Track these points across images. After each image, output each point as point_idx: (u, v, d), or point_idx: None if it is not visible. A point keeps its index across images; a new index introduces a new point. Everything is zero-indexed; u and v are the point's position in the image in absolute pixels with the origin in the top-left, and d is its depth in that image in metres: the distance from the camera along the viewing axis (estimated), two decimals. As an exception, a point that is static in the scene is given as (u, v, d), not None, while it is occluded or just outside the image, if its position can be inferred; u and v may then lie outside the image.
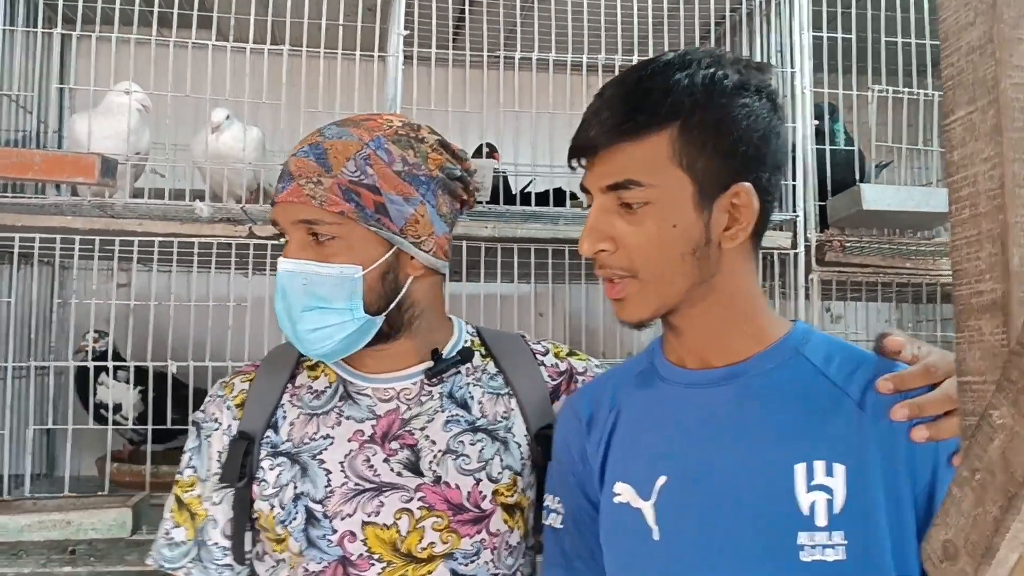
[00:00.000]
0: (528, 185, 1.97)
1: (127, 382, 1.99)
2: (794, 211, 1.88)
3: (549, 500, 1.03)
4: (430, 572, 1.04)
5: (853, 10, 2.09)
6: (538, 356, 1.17)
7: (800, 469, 0.82)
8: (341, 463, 1.06)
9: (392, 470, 1.06)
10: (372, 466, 1.06)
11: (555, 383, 1.15)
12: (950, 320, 2.16)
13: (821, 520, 0.81)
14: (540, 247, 1.81)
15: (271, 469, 1.08)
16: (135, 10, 1.82)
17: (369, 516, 1.04)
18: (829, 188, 1.95)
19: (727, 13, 2.08)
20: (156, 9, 1.97)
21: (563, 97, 2.14)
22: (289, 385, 1.13)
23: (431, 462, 1.07)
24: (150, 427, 1.74)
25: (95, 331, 1.98)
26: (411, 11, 1.85)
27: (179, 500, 1.15)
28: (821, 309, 1.89)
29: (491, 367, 1.15)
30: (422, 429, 1.08)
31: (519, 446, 1.10)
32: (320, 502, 1.05)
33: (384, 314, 1.06)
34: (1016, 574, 0.47)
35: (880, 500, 0.81)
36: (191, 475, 1.15)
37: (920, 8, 2.00)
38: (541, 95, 1.98)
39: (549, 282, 2.24)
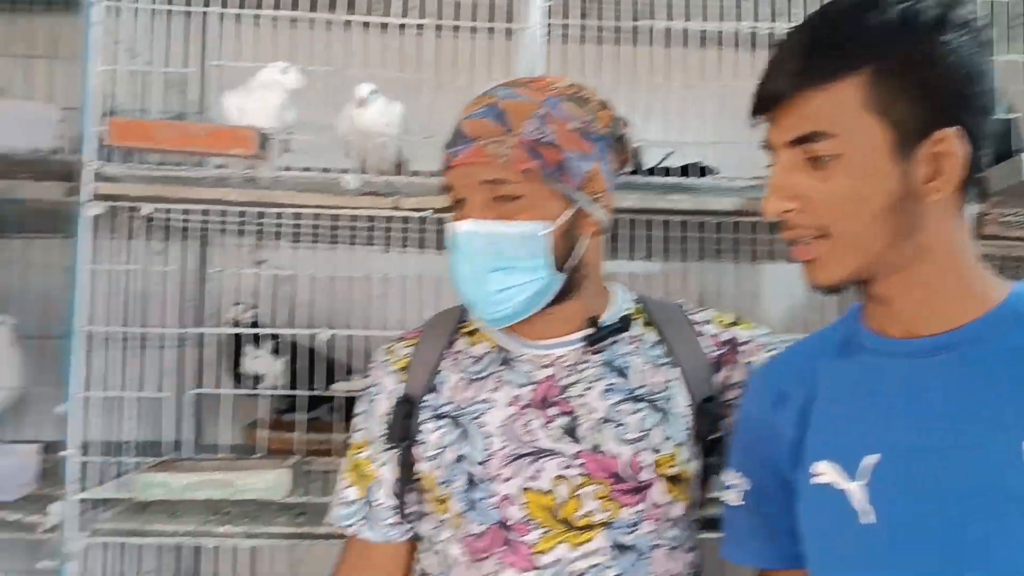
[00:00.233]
0: (664, 159, 1.94)
1: (272, 353, 2.06)
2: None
3: (729, 476, 1.00)
4: (589, 540, 1.04)
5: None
6: (697, 326, 1.14)
7: None
8: (501, 427, 1.07)
9: (550, 436, 1.06)
10: (531, 431, 1.06)
11: (717, 353, 1.13)
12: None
13: None
14: (690, 218, 1.78)
15: (432, 431, 1.10)
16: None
17: (528, 481, 1.05)
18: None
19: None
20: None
21: (697, 72, 2.10)
22: (449, 350, 1.15)
23: (589, 430, 1.06)
24: (300, 394, 1.79)
25: (242, 303, 2.05)
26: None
27: (351, 461, 1.19)
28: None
29: (652, 336, 1.13)
30: (580, 396, 1.08)
31: (681, 417, 1.09)
32: (480, 465, 1.06)
33: (565, 273, 1.06)
34: None
35: None
36: (361, 437, 1.19)
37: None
38: (674, 68, 1.95)
39: (685, 259, 2.20)
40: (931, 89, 0.80)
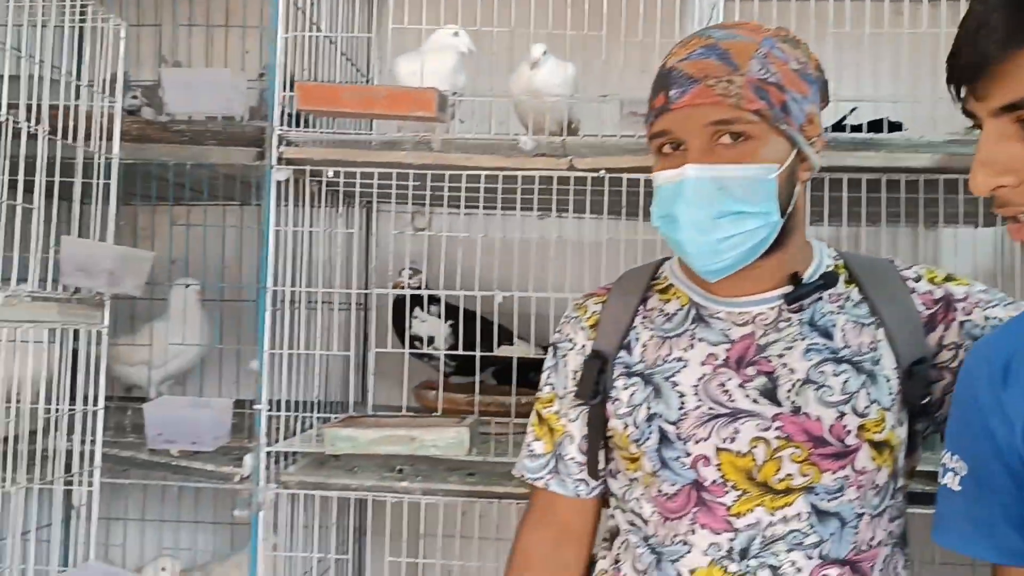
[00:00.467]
0: (848, 115, 1.85)
1: (439, 316, 2.09)
2: None
3: (947, 458, 0.93)
4: (788, 504, 1.00)
5: None
6: (909, 282, 1.07)
7: None
8: (695, 386, 1.04)
9: (748, 396, 1.02)
10: (727, 391, 1.03)
11: (930, 312, 1.06)
12: None
13: None
14: (872, 177, 1.69)
15: (624, 389, 1.08)
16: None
17: (724, 442, 1.01)
18: None
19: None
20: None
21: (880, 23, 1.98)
22: (641, 308, 1.13)
23: (789, 391, 1.02)
24: (479, 354, 1.81)
25: (410, 268, 2.09)
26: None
27: (539, 415, 1.19)
28: None
29: (855, 294, 1.07)
30: (780, 356, 1.03)
31: (887, 380, 1.02)
32: (674, 424, 1.04)
33: (784, 219, 1.02)
34: None
35: None
36: (549, 392, 1.19)
37: None
38: (856, 21, 1.85)
39: (861, 224, 2.10)
40: None
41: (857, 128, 1.76)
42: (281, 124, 1.72)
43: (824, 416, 1.00)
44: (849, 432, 1.00)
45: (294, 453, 1.79)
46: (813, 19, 1.76)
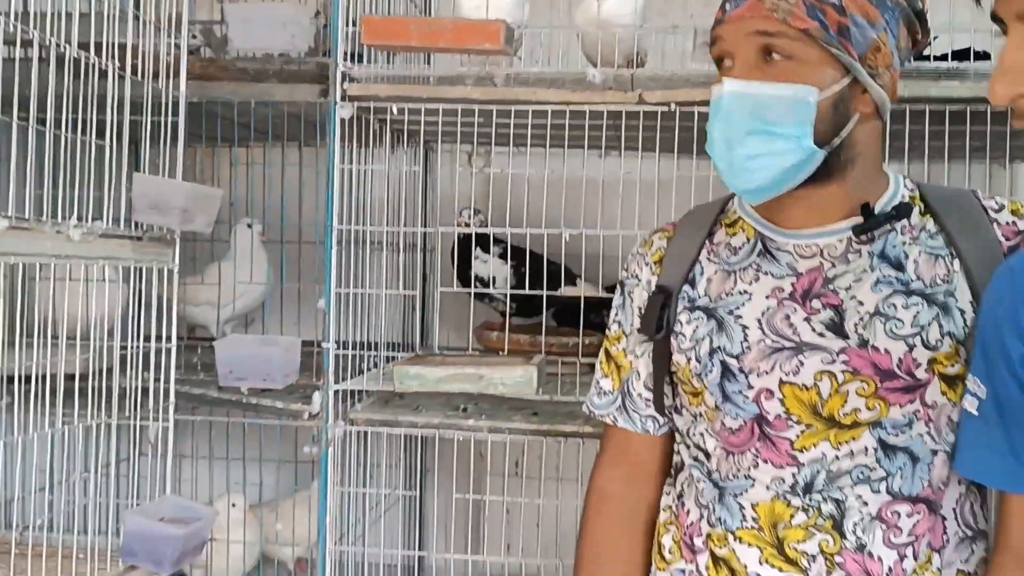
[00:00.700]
0: (926, 46, 1.78)
1: (501, 257, 2.08)
2: None
3: (970, 382, 0.90)
4: (855, 439, 0.98)
5: None
6: (991, 212, 1.03)
7: None
8: (759, 319, 1.02)
9: (813, 330, 1.00)
10: (792, 324, 1.01)
11: (1011, 244, 1.01)
12: None
13: None
14: (956, 108, 1.62)
15: (688, 323, 1.07)
16: None
17: (787, 375, 1.00)
18: None
19: None
20: None
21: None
22: (707, 242, 1.11)
23: (856, 324, 0.99)
24: (545, 294, 1.79)
25: (471, 208, 2.07)
26: None
27: (607, 353, 1.19)
28: None
29: (931, 225, 1.03)
30: (847, 289, 1.01)
31: (963, 312, 0.99)
32: (736, 357, 1.02)
33: (827, 149, 0.98)
34: None
35: None
36: (617, 330, 1.18)
37: None
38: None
39: (924, 162, 2.03)
40: None
41: (942, 58, 1.69)
42: (344, 61, 1.70)
43: (893, 349, 0.98)
44: (919, 365, 0.97)
45: (360, 391, 1.80)
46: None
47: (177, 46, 1.63)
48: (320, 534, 1.72)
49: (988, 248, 1.01)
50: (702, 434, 1.07)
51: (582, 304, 1.78)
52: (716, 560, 1.03)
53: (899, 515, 0.98)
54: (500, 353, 1.84)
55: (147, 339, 1.61)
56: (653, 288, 1.12)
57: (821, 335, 1.00)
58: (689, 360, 1.06)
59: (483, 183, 1.96)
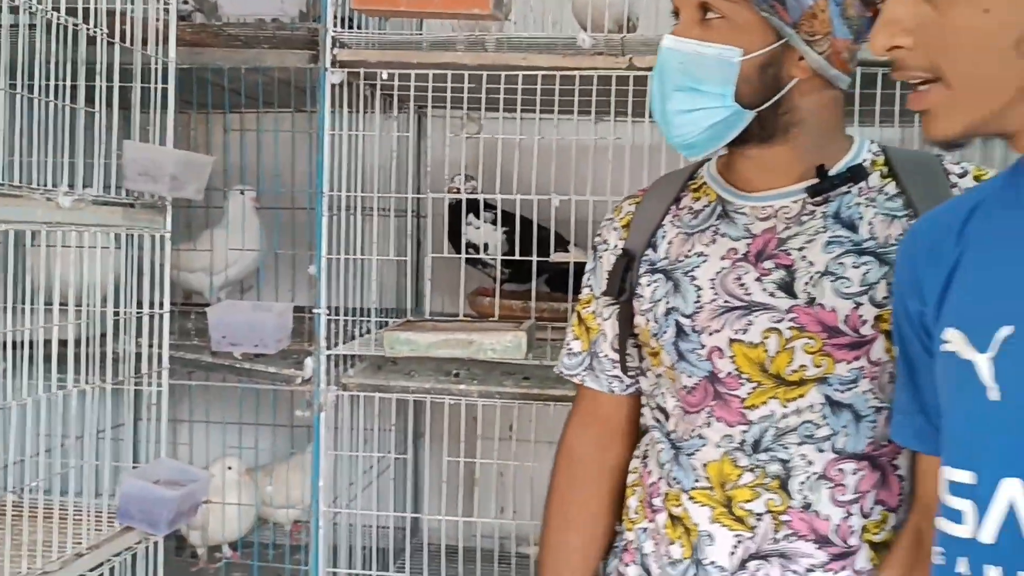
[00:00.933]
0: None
1: (493, 223, 2.08)
2: None
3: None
4: (801, 396, 1.00)
5: None
6: (952, 177, 1.04)
7: None
8: (712, 280, 1.05)
9: (764, 290, 1.02)
10: (743, 284, 1.03)
11: None
12: None
13: None
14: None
15: (648, 285, 1.10)
16: None
17: (737, 334, 1.02)
18: None
19: None
20: None
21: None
22: (673, 207, 1.13)
23: (806, 283, 1.01)
24: (535, 260, 1.80)
25: (463, 174, 2.08)
26: None
27: (578, 315, 1.22)
28: None
29: (891, 188, 1.04)
30: (800, 249, 1.02)
31: None
32: (689, 316, 1.05)
33: (757, 110, 1.00)
34: None
35: None
36: (587, 293, 1.22)
37: None
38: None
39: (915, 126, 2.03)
40: None
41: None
42: (334, 26, 1.70)
43: (839, 307, 0.99)
44: (865, 322, 0.98)
45: (353, 356, 1.82)
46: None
47: (167, 11, 1.63)
48: (313, 497, 1.75)
49: None
50: (663, 394, 1.10)
51: (571, 270, 1.79)
52: (673, 519, 1.06)
53: (844, 473, 1.00)
54: (491, 319, 1.85)
55: (140, 305, 1.63)
56: (619, 251, 1.15)
57: (772, 295, 1.02)
58: (648, 321, 1.09)
59: (477, 149, 1.96)
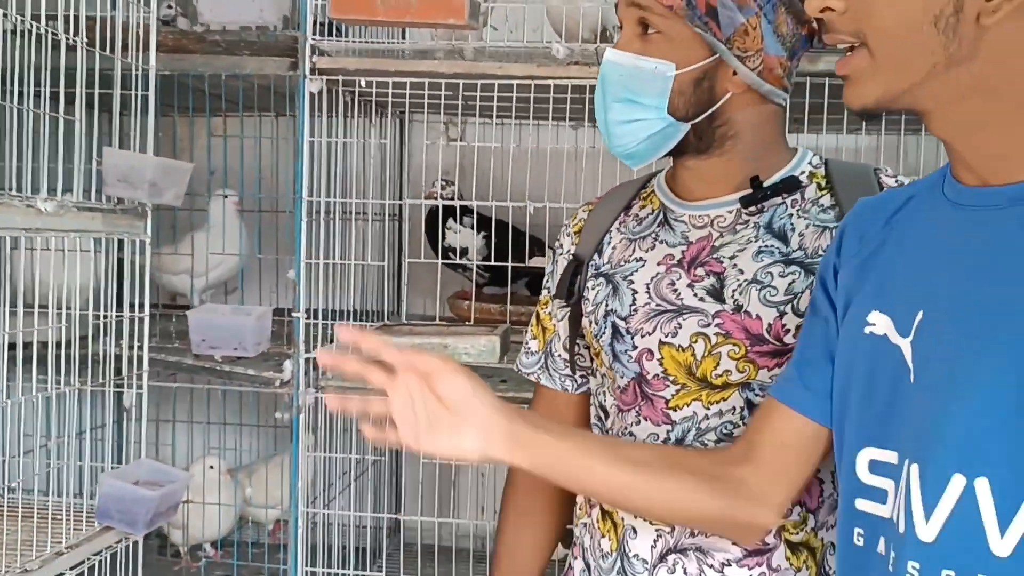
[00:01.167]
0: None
1: (472, 228, 2.12)
2: None
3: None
4: (724, 399, 1.03)
5: None
6: (887, 190, 1.06)
7: None
8: (647, 284, 1.08)
9: (695, 295, 1.05)
10: (676, 290, 1.06)
11: None
12: None
13: None
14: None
15: (592, 288, 1.13)
16: None
17: (666, 336, 1.05)
18: None
19: None
20: None
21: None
22: (623, 214, 1.17)
23: (735, 290, 1.04)
24: (511, 265, 1.84)
25: (442, 179, 2.11)
26: None
27: (537, 316, 1.26)
28: None
29: (827, 200, 1.07)
30: (731, 258, 1.05)
31: None
32: (624, 319, 1.08)
33: (692, 123, 1.03)
34: None
35: None
36: (545, 295, 1.25)
37: None
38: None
39: (901, 134, 2.07)
40: None
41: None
42: (314, 33, 1.73)
43: (764, 315, 1.02)
44: (788, 331, 1.01)
45: (334, 359, 1.84)
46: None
47: (147, 18, 1.65)
48: (292, 497, 1.78)
49: None
50: (605, 392, 1.13)
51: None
52: (604, 514, 1.10)
53: None
54: (468, 323, 1.88)
55: (121, 307, 1.65)
56: (570, 256, 1.19)
57: (701, 300, 1.05)
58: (591, 323, 1.12)
59: (456, 154, 1.99)
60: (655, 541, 1.04)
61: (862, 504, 0.79)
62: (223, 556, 2.25)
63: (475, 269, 2.11)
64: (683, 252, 1.08)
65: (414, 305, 2.37)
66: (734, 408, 1.03)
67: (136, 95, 1.61)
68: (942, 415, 0.72)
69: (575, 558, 1.15)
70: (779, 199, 1.06)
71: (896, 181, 1.07)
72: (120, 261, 1.69)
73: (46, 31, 1.39)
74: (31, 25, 1.38)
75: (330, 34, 1.78)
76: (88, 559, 1.51)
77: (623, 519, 1.07)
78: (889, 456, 0.77)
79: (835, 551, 0.89)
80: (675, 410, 1.04)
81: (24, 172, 1.41)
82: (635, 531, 1.06)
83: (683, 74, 1.01)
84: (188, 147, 2.41)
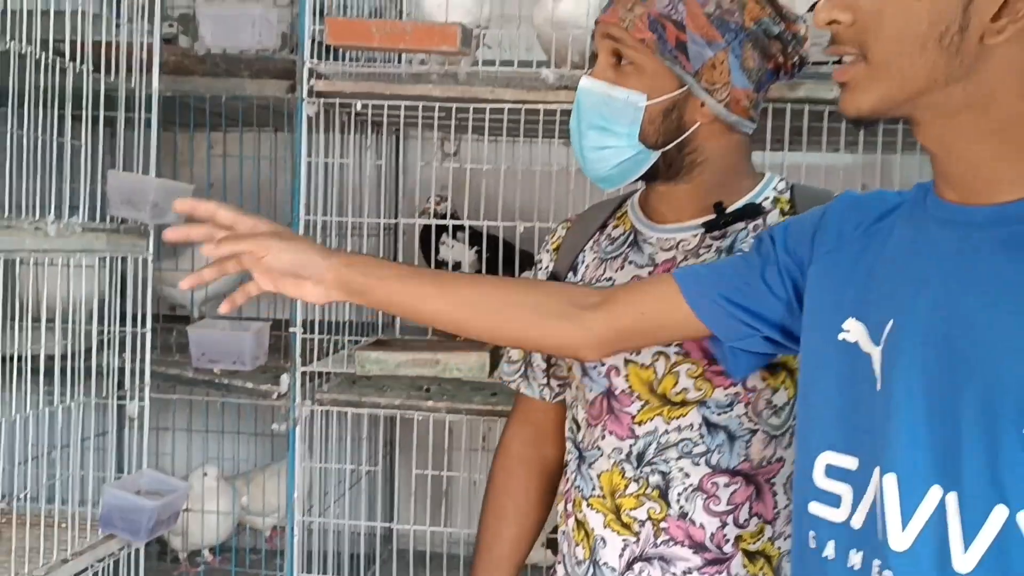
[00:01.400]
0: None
1: (465, 243, 2.17)
2: None
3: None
4: (683, 415, 1.08)
5: None
6: None
7: None
8: None
9: None
10: None
11: None
12: None
13: None
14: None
15: None
16: None
17: (631, 355, 1.10)
18: None
19: None
20: None
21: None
22: (598, 233, 1.21)
23: None
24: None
25: (437, 195, 2.17)
26: None
27: None
28: None
29: None
30: None
31: None
32: None
33: (662, 151, 1.08)
34: None
35: None
36: None
37: None
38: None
39: (878, 152, 2.13)
40: None
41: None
42: (312, 56, 1.78)
43: None
44: None
45: (327, 372, 1.90)
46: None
47: (151, 42, 1.71)
48: (288, 507, 1.84)
49: None
50: (577, 406, 1.18)
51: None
52: (578, 523, 1.15)
53: (718, 486, 1.08)
54: (459, 338, 1.93)
55: (124, 320, 1.71)
56: (549, 273, 1.24)
57: None
58: None
59: (450, 172, 2.05)
60: (622, 550, 1.10)
61: (814, 507, 0.82)
62: (221, 562, 2.31)
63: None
64: (649, 272, 1.13)
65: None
66: (692, 425, 1.08)
67: (139, 118, 1.67)
68: (915, 426, 0.74)
69: (559, 563, 1.21)
70: (741, 224, 1.11)
71: None
72: (123, 275, 1.75)
73: (53, 59, 1.45)
74: (38, 54, 1.44)
75: (327, 57, 1.83)
76: (92, 566, 1.57)
77: (593, 529, 1.12)
78: (848, 462, 0.79)
79: (790, 555, 0.93)
80: (639, 424, 1.10)
81: (32, 193, 1.47)
82: (604, 540, 1.11)
83: (653, 104, 1.06)
84: (188, 161, 2.47)
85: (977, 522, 0.70)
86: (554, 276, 1.22)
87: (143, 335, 1.70)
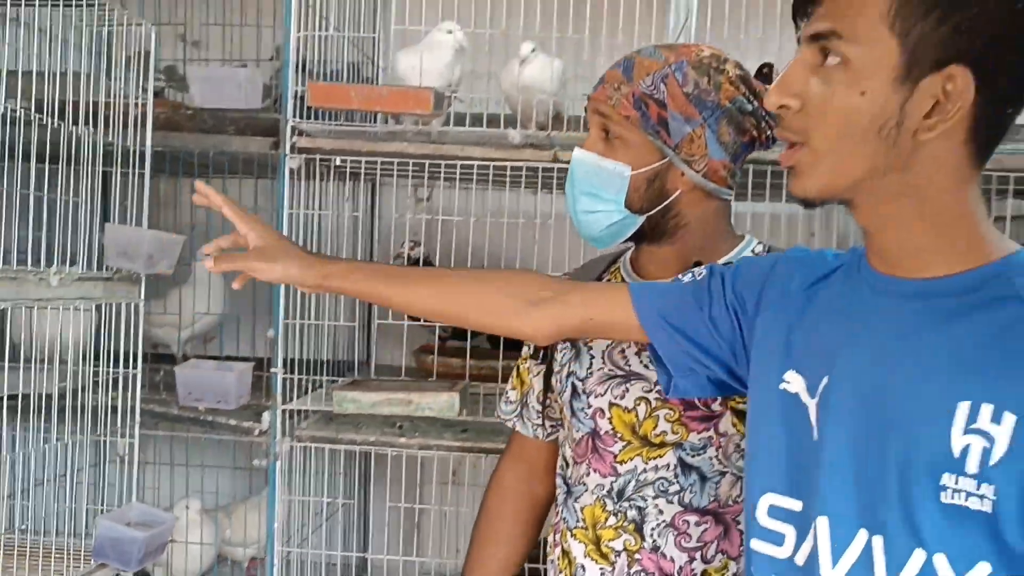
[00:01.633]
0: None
1: (437, 286, 2.30)
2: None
3: (697, 271, 1.06)
4: (661, 456, 1.19)
5: None
6: None
7: (963, 408, 0.74)
8: (603, 351, 1.25)
9: (641, 362, 1.21)
10: (625, 357, 1.23)
11: None
12: None
13: (972, 467, 0.73)
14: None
15: (560, 351, 1.30)
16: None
17: (616, 399, 1.21)
18: None
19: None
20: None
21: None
22: None
23: None
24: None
25: (411, 240, 2.30)
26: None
27: (518, 368, 1.42)
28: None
29: None
30: None
31: None
32: (582, 380, 1.24)
33: (647, 215, 1.20)
34: None
35: None
36: (526, 351, 1.41)
37: None
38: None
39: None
40: (959, 20, 0.75)
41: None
42: (295, 114, 1.92)
43: None
44: (715, 399, 1.17)
45: (306, 409, 2.02)
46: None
47: (145, 103, 1.84)
48: (268, 538, 1.94)
49: None
50: (566, 444, 1.30)
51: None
52: (563, 552, 1.26)
53: (689, 523, 1.19)
54: (432, 377, 2.06)
55: (115, 363, 1.82)
56: None
57: (646, 367, 1.21)
58: (557, 381, 1.30)
59: (423, 221, 2.19)
60: None
61: (757, 544, 0.89)
62: (201, 592, 2.39)
63: (438, 324, 2.28)
64: None
65: (383, 357, 2.54)
66: (668, 465, 1.18)
67: (132, 173, 1.79)
68: (844, 475, 0.81)
69: None
70: None
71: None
72: (109, 317, 1.85)
73: (58, 124, 1.58)
74: (35, 117, 1.56)
75: (309, 116, 1.97)
76: (84, 594, 1.67)
77: (575, 558, 1.23)
78: (792, 504, 0.86)
79: None
80: (621, 463, 1.21)
81: (35, 244, 1.58)
82: (584, 569, 1.22)
83: (638, 174, 1.18)
84: (173, 203, 2.58)
85: (899, 563, 0.77)
86: None
87: (133, 376, 1.81)
